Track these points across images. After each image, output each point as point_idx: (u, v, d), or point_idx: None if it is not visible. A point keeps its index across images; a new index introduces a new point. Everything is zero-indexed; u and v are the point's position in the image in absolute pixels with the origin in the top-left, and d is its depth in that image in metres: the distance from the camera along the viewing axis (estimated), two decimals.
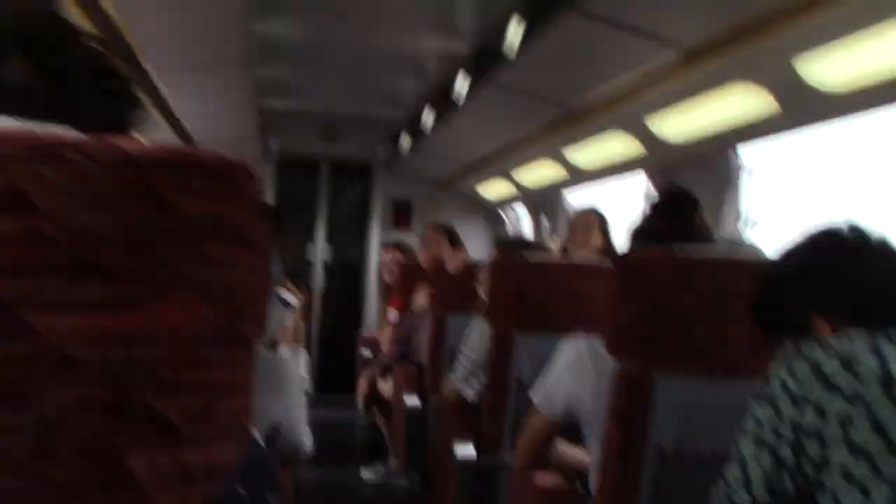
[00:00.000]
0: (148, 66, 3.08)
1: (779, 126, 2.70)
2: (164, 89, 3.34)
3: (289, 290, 1.96)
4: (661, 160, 3.52)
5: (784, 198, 3.32)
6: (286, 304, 1.94)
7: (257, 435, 1.69)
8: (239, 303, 0.62)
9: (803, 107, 2.50)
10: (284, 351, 1.99)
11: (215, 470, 0.62)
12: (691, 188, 2.19)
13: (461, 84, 4.13)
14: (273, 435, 1.75)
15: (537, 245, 3.08)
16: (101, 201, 0.54)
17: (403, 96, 5.77)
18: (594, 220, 3.39)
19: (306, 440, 1.88)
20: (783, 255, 1.34)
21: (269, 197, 6.55)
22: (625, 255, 1.72)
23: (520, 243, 3.13)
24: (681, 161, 3.44)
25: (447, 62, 4.39)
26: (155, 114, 3.92)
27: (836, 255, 1.26)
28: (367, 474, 4.79)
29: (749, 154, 3.27)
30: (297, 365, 2.00)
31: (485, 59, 3.58)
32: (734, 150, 3.25)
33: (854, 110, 2.39)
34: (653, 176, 3.77)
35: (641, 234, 1.95)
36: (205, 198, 0.58)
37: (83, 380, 0.54)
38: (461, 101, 4.13)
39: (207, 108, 4.23)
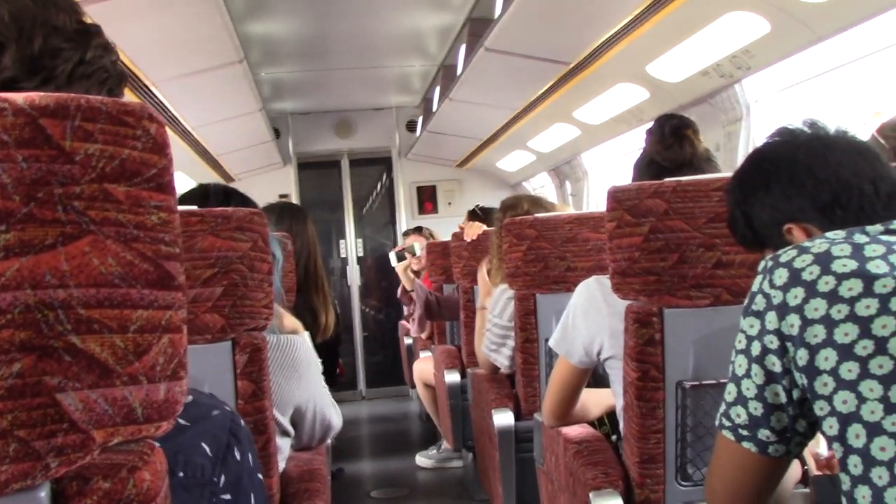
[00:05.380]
0: (144, 80, 3.13)
1: (774, 50, 2.65)
2: (165, 99, 3.39)
3: None
4: (667, 105, 3.48)
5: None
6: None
7: (283, 420, 1.71)
8: (163, 244, 0.63)
9: (794, 26, 2.45)
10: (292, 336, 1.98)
11: (158, 409, 0.63)
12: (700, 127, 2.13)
13: (462, 57, 4.13)
14: (299, 419, 1.76)
15: (544, 202, 3.01)
16: None
17: (411, 79, 5.78)
18: None
19: (335, 416, 1.88)
20: (743, 167, 1.27)
21: (294, 198, 6.61)
22: (613, 189, 1.67)
23: (524, 201, 3.06)
24: (687, 104, 3.40)
25: (445, 36, 4.39)
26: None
27: (793, 155, 1.18)
28: (421, 460, 4.81)
29: (754, 88, 3.23)
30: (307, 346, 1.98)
31: (479, 27, 3.58)
32: (739, 85, 3.20)
33: (843, 24, 2.33)
34: None
35: (641, 165, 1.90)
36: (103, 142, 0.59)
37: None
38: (465, 75, 4.12)
39: (213, 115, 4.27)
